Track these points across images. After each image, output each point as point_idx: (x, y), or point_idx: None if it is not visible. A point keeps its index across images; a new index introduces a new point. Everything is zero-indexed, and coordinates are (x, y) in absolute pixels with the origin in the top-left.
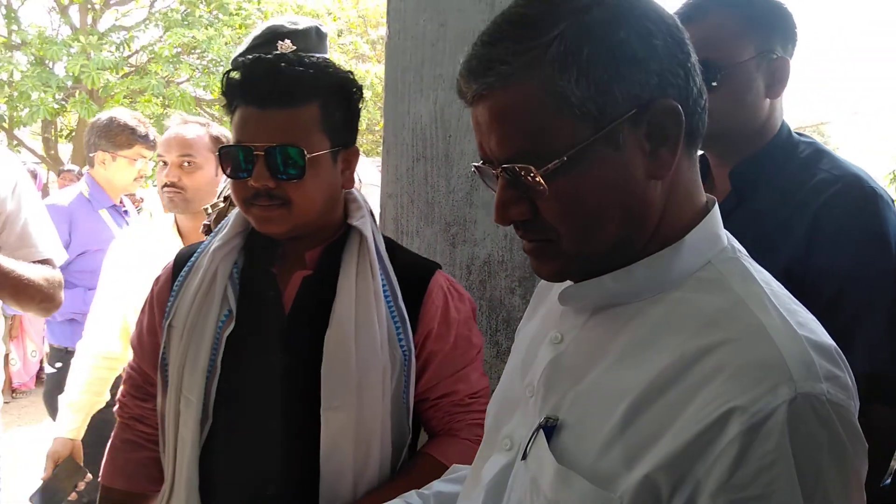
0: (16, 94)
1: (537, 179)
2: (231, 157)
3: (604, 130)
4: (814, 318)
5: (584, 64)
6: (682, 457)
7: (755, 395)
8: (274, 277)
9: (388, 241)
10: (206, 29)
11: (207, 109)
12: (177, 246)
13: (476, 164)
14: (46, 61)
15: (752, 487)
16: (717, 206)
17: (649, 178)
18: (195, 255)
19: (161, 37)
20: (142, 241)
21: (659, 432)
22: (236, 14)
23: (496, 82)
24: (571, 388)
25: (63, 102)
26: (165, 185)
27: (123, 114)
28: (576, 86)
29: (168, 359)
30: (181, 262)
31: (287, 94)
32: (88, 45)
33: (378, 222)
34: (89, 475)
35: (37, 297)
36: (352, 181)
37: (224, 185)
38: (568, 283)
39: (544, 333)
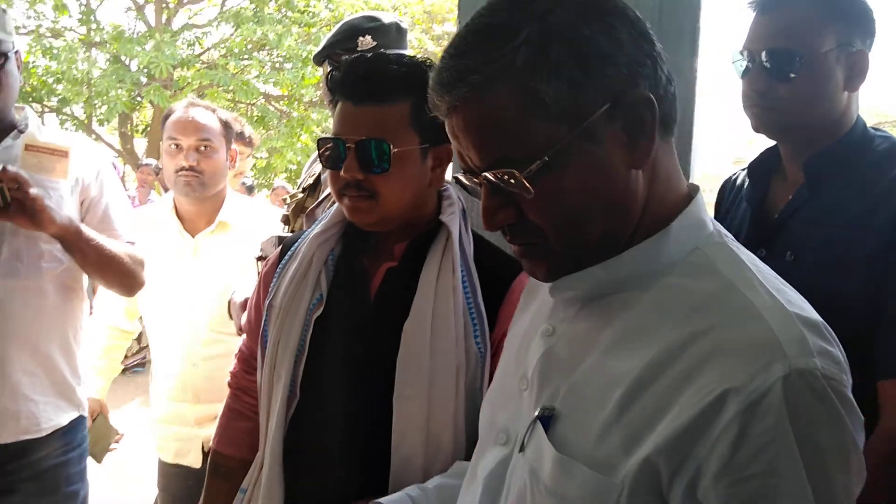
0: (94, 91)
1: (522, 183)
2: (328, 149)
3: (581, 127)
4: (801, 296)
5: (553, 64)
6: (680, 440)
7: (750, 374)
8: (364, 267)
9: (479, 239)
10: (275, 25)
11: (275, 104)
12: (175, 228)
13: (456, 174)
14: (122, 58)
15: (755, 465)
16: (700, 192)
17: (630, 168)
18: (298, 240)
19: (232, 34)
20: (141, 223)
21: (655, 416)
22: (304, 11)
23: (469, 92)
24: (566, 379)
25: (139, 98)
26: (182, 169)
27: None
28: (548, 86)
29: (267, 336)
30: (287, 246)
31: (378, 92)
32: (162, 43)
33: None
34: (122, 433)
35: (119, 270)
36: (442, 178)
37: (304, 177)
38: None
39: (536, 327)
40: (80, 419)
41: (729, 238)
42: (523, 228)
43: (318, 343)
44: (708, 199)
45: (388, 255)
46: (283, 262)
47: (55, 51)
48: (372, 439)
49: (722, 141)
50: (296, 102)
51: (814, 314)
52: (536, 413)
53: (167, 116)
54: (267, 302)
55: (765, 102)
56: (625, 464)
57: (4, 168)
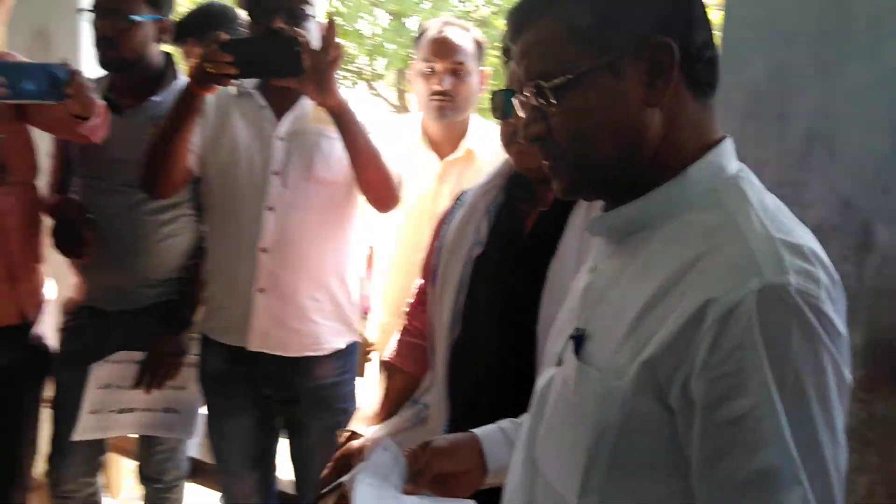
0: (373, 47)
1: (547, 96)
2: (499, 101)
3: (606, 58)
4: (803, 228)
5: (592, 1)
6: (672, 345)
7: (728, 287)
8: (520, 212)
9: None
10: None
11: None
12: (423, 150)
13: (516, 96)
14: (402, 18)
15: (726, 366)
16: (727, 141)
17: (645, 105)
18: (468, 192)
19: None
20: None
21: (658, 329)
22: None
23: (526, 17)
24: (597, 306)
25: (413, 56)
26: (436, 94)
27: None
28: (586, 18)
29: (437, 273)
30: (458, 197)
31: None
32: (440, 1)
33: None
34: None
35: (383, 172)
36: None
37: None
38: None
39: (586, 267)
40: (355, 344)
41: (745, 180)
42: (550, 145)
43: (476, 279)
44: None
45: (543, 202)
46: (454, 210)
47: (343, 8)
48: (517, 367)
49: None
50: None
51: (803, 240)
52: (570, 333)
53: (421, 34)
54: (438, 244)
55: None
56: (631, 369)
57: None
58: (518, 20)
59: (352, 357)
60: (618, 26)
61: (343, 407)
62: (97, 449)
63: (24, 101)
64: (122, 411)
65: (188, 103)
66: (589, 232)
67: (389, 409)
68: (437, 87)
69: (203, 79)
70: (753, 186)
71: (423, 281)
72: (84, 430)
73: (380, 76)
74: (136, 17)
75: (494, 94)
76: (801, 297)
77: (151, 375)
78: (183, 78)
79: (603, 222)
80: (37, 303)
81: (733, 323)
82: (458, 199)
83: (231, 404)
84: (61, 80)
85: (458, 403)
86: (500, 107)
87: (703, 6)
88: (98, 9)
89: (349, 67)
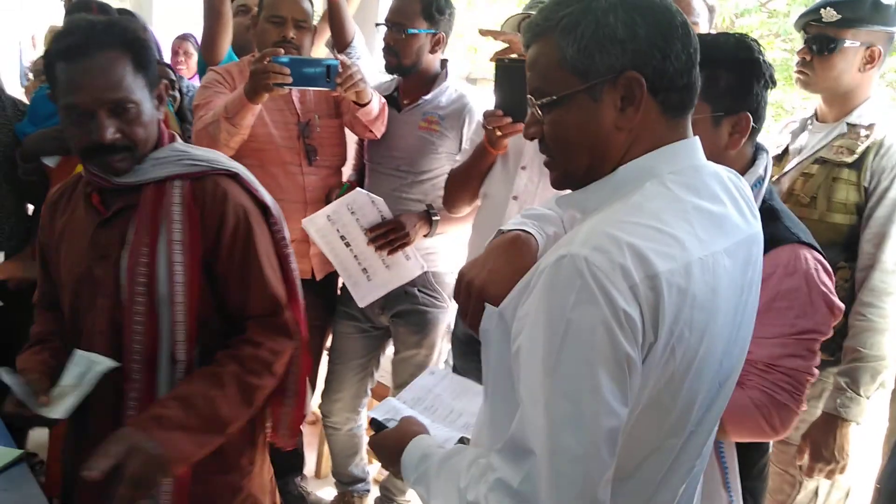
0: None
1: (537, 109)
2: None
3: (586, 84)
4: (656, 237)
5: (579, 35)
6: (518, 295)
7: (550, 256)
8: None
9: (772, 209)
10: None
11: None
12: None
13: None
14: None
15: (524, 309)
16: (673, 146)
17: (615, 127)
18: None
19: None
20: None
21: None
22: None
23: (532, 37)
24: None
25: None
26: None
27: None
28: (571, 49)
29: None
30: None
31: None
32: None
33: None
34: None
35: None
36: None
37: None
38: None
39: None
40: None
41: (661, 182)
42: (545, 145)
43: None
44: None
45: None
46: None
47: None
48: None
49: None
50: None
51: (628, 236)
52: None
53: None
54: None
55: None
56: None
57: None
58: (527, 36)
59: None
60: (598, 58)
61: None
62: (362, 392)
63: (303, 87)
64: None
65: (484, 156)
66: (558, 206)
67: None
68: None
69: (495, 143)
70: (657, 189)
71: None
72: None
73: None
74: (413, 31)
75: None
76: (588, 266)
77: None
78: (451, 80)
79: (562, 201)
80: (325, 262)
81: (539, 280)
82: None
83: (472, 367)
84: (333, 71)
85: None
86: None
87: (680, 39)
88: (386, 22)
89: None
